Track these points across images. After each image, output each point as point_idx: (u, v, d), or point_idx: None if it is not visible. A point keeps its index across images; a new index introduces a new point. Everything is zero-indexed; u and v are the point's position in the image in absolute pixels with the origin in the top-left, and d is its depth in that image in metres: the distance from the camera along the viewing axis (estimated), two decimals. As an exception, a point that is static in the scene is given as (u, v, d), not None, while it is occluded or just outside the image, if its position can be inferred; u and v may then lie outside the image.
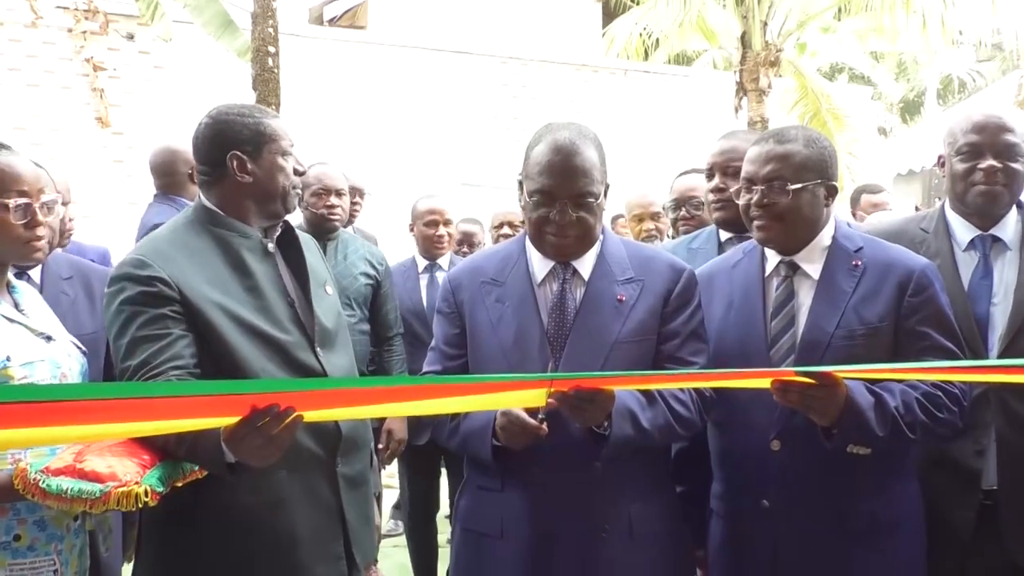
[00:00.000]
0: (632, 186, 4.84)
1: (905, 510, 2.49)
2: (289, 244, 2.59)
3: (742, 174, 2.54)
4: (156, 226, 3.56)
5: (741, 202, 2.55)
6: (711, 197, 3.13)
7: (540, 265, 2.47)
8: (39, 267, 2.87)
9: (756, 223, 2.51)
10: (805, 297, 2.50)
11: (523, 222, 2.60)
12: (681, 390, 2.40)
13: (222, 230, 2.46)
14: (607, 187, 2.45)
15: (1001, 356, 2.60)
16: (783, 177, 2.45)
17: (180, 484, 2.15)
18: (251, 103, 2.61)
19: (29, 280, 2.81)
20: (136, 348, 2.26)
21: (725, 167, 3.08)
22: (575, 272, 2.45)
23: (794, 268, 2.53)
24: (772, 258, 2.56)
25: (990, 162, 2.68)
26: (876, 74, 21.47)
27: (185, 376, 2.22)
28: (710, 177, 3.14)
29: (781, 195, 2.45)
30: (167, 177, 4.41)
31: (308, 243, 2.74)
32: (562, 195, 2.35)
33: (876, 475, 2.42)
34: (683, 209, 3.62)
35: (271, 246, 2.51)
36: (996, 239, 2.74)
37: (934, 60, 19.97)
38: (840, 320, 2.42)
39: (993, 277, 2.71)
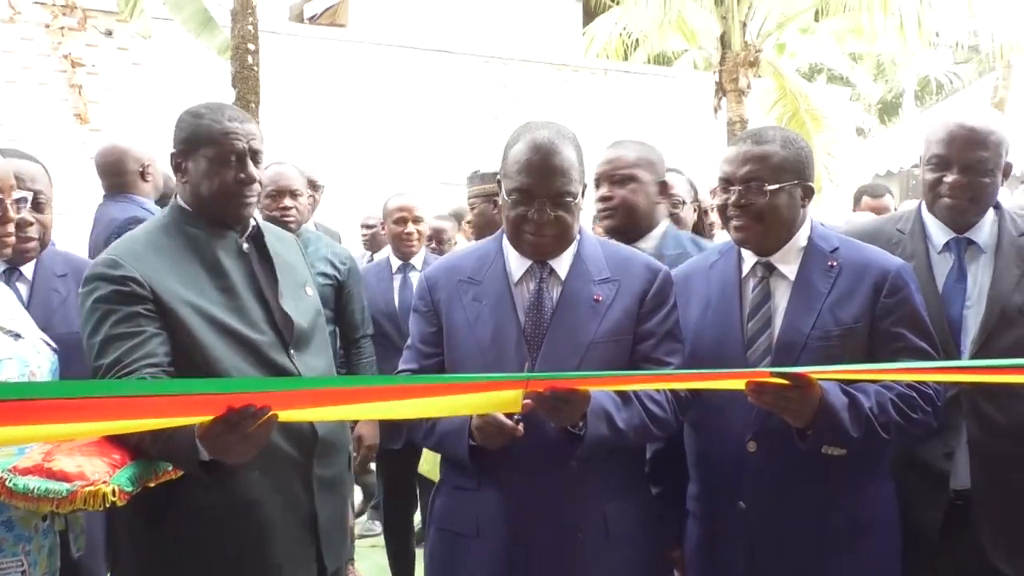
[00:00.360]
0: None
1: (880, 511, 2.51)
2: (262, 245, 2.57)
3: (719, 174, 2.55)
4: (129, 221, 3.53)
5: (718, 202, 2.56)
6: (598, 206, 3.18)
7: (517, 264, 2.48)
8: (32, 263, 2.86)
9: (733, 223, 2.52)
10: (781, 298, 2.51)
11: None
12: (657, 390, 2.41)
13: (196, 230, 2.46)
14: (584, 187, 2.46)
15: (973, 359, 2.61)
16: (760, 178, 2.46)
17: (152, 484, 2.14)
18: (221, 103, 2.55)
19: (21, 277, 2.82)
20: (109, 346, 2.26)
21: (611, 176, 3.17)
22: (552, 271, 2.45)
23: (770, 269, 2.54)
24: (748, 259, 2.57)
25: (955, 177, 2.67)
26: (854, 75, 21.56)
27: (159, 374, 2.22)
28: (597, 186, 3.18)
29: (758, 196, 2.46)
30: (115, 177, 4.39)
31: (289, 242, 2.73)
32: (540, 194, 2.36)
33: (852, 476, 2.43)
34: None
35: (246, 246, 2.50)
36: (971, 242, 2.75)
37: (912, 61, 20.09)
38: (816, 321, 2.44)
39: (967, 280, 2.72)
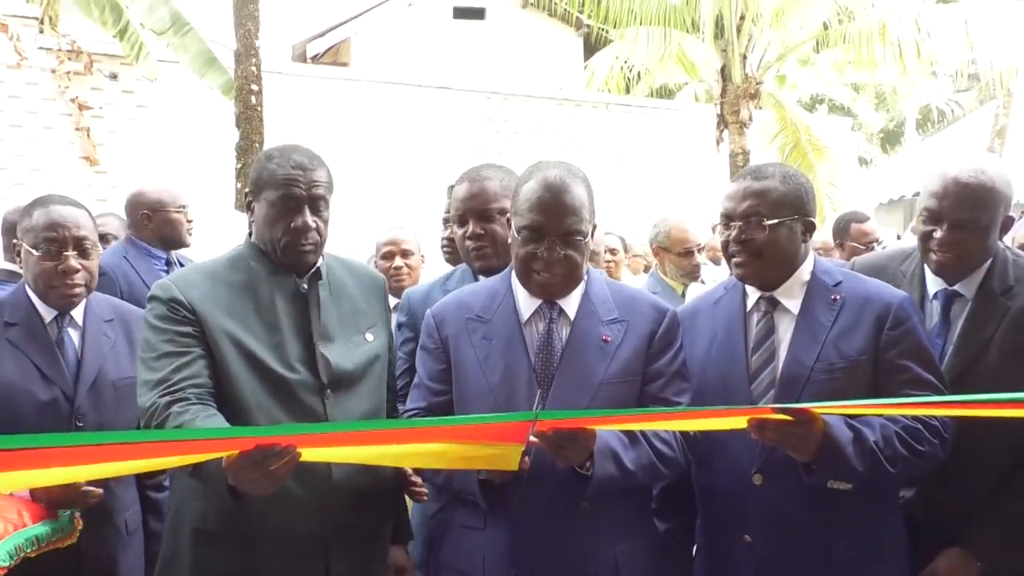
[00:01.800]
0: (615, 218, 4.90)
1: (889, 544, 2.49)
2: (336, 286, 2.62)
3: (720, 211, 2.55)
4: (103, 266, 3.55)
5: (720, 239, 2.57)
6: (469, 244, 2.88)
7: (526, 303, 2.47)
8: (81, 309, 2.87)
9: (734, 260, 2.53)
10: (785, 332, 2.51)
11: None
12: (664, 429, 2.40)
13: (257, 265, 2.52)
14: (594, 227, 2.46)
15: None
16: (759, 213, 2.47)
17: (34, 555, 2.19)
18: (296, 145, 2.58)
19: (72, 322, 2.84)
20: (158, 362, 2.37)
21: (481, 212, 2.87)
22: (561, 311, 2.45)
23: (774, 303, 2.54)
24: (752, 294, 2.58)
25: (944, 233, 2.60)
26: (856, 105, 21.69)
27: (203, 395, 2.31)
28: (462, 224, 2.91)
29: (758, 231, 2.46)
30: (128, 219, 4.70)
31: (371, 285, 2.73)
32: (551, 232, 2.36)
33: (859, 509, 2.41)
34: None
35: (304, 287, 2.52)
36: (959, 294, 2.69)
37: (912, 91, 20.20)
38: (819, 354, 2.43)
39: (947, 335, 2.68)
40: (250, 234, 2.59)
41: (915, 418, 2.38)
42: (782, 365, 2.47)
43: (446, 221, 3.46)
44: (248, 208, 2.57)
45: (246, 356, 2.41)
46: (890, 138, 25.37)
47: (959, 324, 2.66)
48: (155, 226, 4.60)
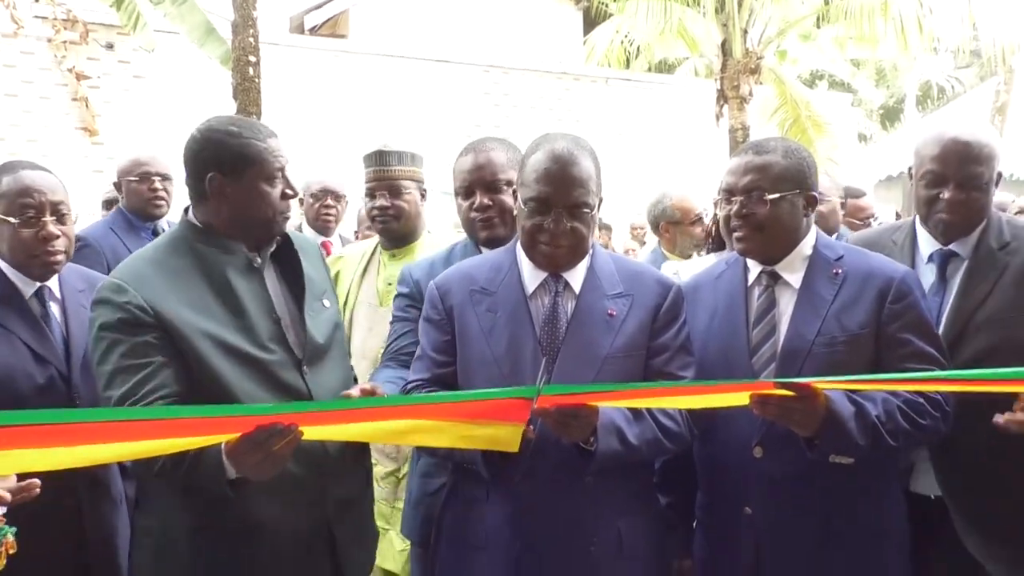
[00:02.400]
0: (615, 194, 4.88)
1: (889, 517, 2.50)
2: (286, 256, 2.54)
3: (722, 185, 2.55)
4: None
5: (721, 213, 2.56)
6: (475, 216, 2.88)
7: (531, 276, 2.46)
8: (55, 280, 2.74)
9: (736, 234, 2.53)
10: (786, 306, 2.51)
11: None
12: None
13: (205, 247, 2.41)
14: (601, 200, 2.45)
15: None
16: (761, 188, 2.46)
17: None
18: (245, 118, 2.49)
19: (51, 295, 2.71)
20: (117, 378, 2.24)
21: (489, 183, 2.87)
22: (567, 285, 2.44)
23: (775, 277, 2.54)
24: (754, 268, 2.58)
25: (952, 194, 2.65)
26: (856, 81, 21.61)
27: (171, 405, 2.20)
28: (468, 195, 2.90)
29: (759, 205, 2.46)
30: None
31: (310, 251, 2.69)
32: (558, 203, 2.35)
33: (859, 481, 2.42)
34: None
35: (257, 261, 2.45)
36: (954, 253, 2.74)
37: (913, 67, 20.11)
38: (821, 327, 2.44)
39: (945, 293, 2.72)
40: (185, 212, 2.47)
41: (917, 392, 2.38)
42: (783, 339, 2.47)
43: (370, 193, 3.48)
44: (219, 191, 2.40)
45: (222, 347, 2.31)
46: (890, 114, 25.31)
47: (956, 281, 2.70)
48: (125, 196, 4.48)
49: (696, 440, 2.56)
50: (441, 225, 5.77)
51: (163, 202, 4.50)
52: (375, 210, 3.47)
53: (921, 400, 2.37)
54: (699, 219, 4.85)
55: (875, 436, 2.31)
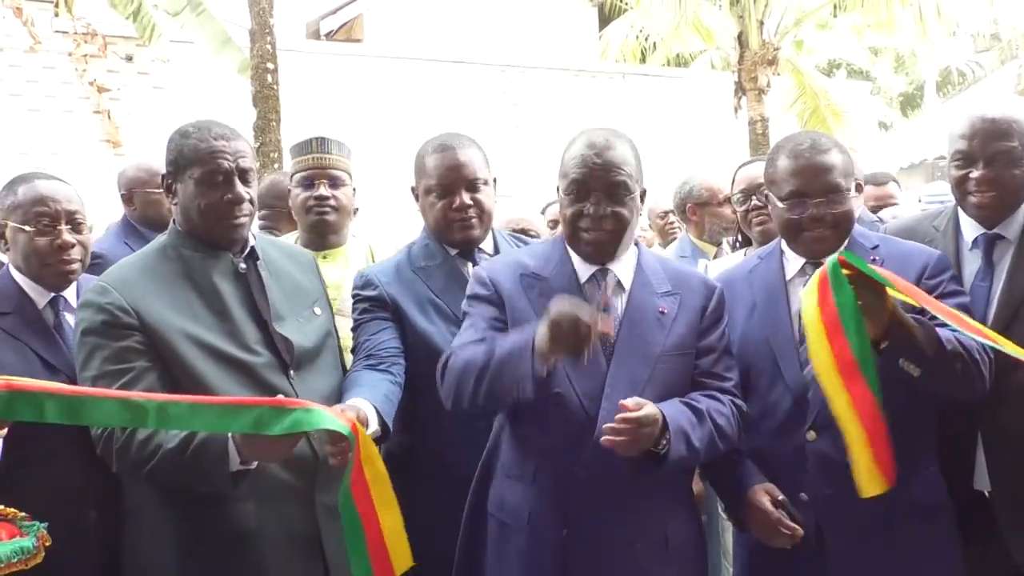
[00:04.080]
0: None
1: (937, 493, 2.52)
2: (263, 262, 2.52)
3: (791, 189, 2.50)
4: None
5: (791, 216, 2.51)
6: (454, 216, 2.79)
7: (582, 269, 2.45)
8: (72, 290, 2.71)
9: (811, 235, 2.51)
10: None
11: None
12: (723, 404, 2.39)
13: (190, 251, 2.42)
14: (644, 191, 2.46)
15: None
16: (839, 186, 2.47)
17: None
18: (211, 120, 2.47)
19: (67, 305, 2.67)
20: (100, 383, 2.24)
21: (470, 181, 2.80)
22: (617, 281, 2.44)
23: (818, 268, 2.54)
24: (795, 261, 2.58)
25: (981, 172, 2.59)
26: (875, 69, 21.46)
27: None
28: (446, 194, 2.79)
29: (838, 204, 2.47)
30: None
31: (301, 258, 2.69)
32: (596, 187, 2.35)
33: (908, 456, 2.40)
34: (754, 198, 3.49)
35: (242, 266, 2.45)
36: (1000, 237, 2.68)
37: (932, 52, 19.94)
38: None
39: (992, 278, 2.67)
40: (174, 221, 2.49)
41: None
42: None
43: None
44: (169, 191, 2.45)
45: (206, 350, 2.31)
46: (910, 101, 25.09)
47: (1005, 265, 2.65)
48: (138, 206, 4.34)
49: (725, 471, 2.56)
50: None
51: None
52: (312, 200, 3.27)
53: (980, 347, 2.38)
54: (728, 199, 4.63)
55: (939, 351, 2.31)
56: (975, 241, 2.70)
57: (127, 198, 4.39)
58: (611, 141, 2.39)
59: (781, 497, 2.43)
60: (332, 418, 2.15)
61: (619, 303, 2.42)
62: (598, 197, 2.35)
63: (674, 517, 2.42)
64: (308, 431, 2.17)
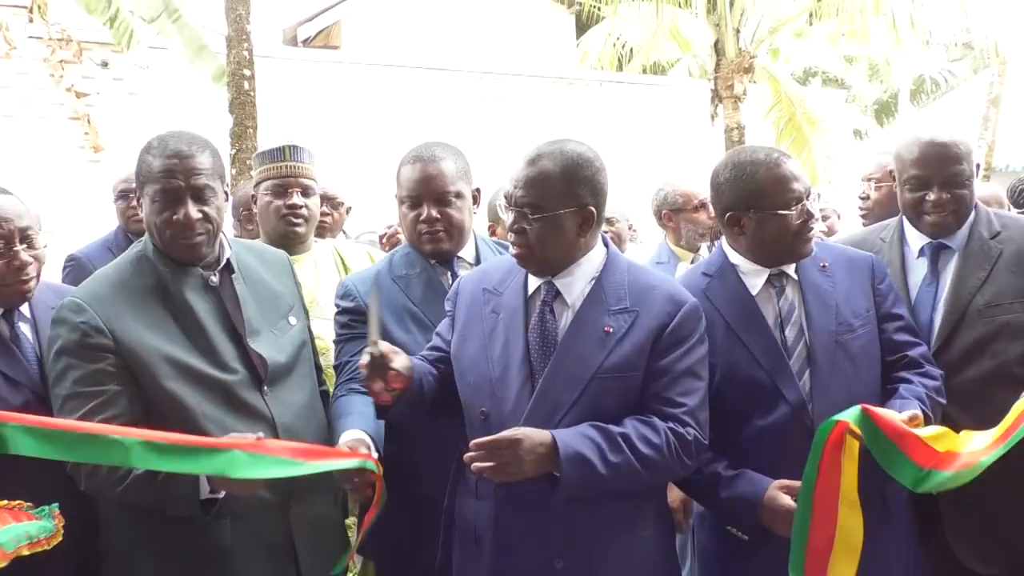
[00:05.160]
0: (613, 196, 4.85)
1: (898, 493, 2.55)
2: (239, 274, 2.50)
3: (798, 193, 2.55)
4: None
5: (802, 220, 2.56)
6: (422, 228, 2.81)
7: (532, 283, 2.44)
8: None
9: (809, 236, 2.59)
10: (800, 303, 2.56)
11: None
12: (656, 432, 2.29)
13: (161, 266, 2.40)
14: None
15: (935, 357, 2.68)
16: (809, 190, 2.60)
17: (27, 553, 2.13)
18: (179, 131, 2.45)
19: (22, 316, 2.61)
20: (68, 404, 2.26)
21: (439, 195, 2.81)
22: (558, 294, 2.40)
23: (783, 277, 2.60)
24: (761, 274, 2.59)
25: (937, 195, 2.74)
26: (849, 77, 21.61)
27: None
28: (415, 206, 2.82)
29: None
30: None
31: (276, 263, 2.65)
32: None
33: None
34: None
35: (213, 279, 2.43)
36: (945, 246, 2.82)
37: (906, 61, 20.12)
38: (836, 317, 2.53)
39: (938, 285, 2.80)
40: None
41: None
42: (810, 334, 2.52)
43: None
44: (139, 204, 2.44)
45: (181, 369, 2.31)
46: (884, 110, 25.26)
47: (949, 272, 2.79)
48: (119, 215, 4.38)
49: (720, 488, 2.51)
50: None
51: None
52: (286, 208, 3.27)
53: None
54: (703, 205, 4.60)
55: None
56: (921, 250, 2.85)
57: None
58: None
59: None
60: (351, 461, 2.31)
61: (564, 319, 2.37)
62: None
63: (603, 545, 2.32)
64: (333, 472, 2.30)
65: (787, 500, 2.40)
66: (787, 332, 2.53)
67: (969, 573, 2.74)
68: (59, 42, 10.13)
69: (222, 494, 2.20)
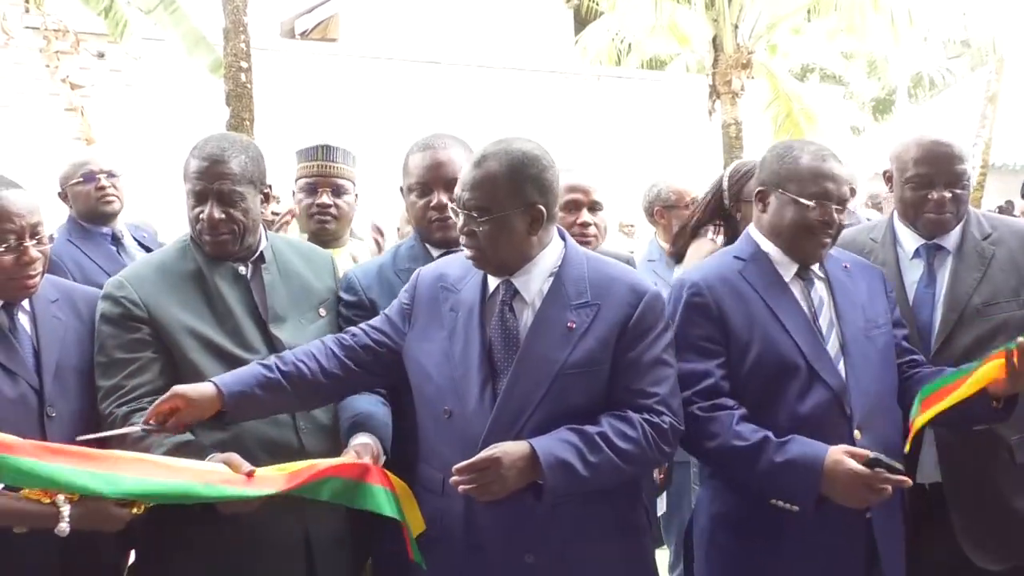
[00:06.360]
0: (611, 191, 4.84)
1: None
2: (270, 265, 2.62)
3: (817, 191, 2.55)
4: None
5: (819, 219, 2.56)
6: (432, 215, 2.75)
7: (491, 282, 2.40)
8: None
9: (823, 239, 2.60)
10: (828, 298, 2.61)
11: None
12: (632, 425, 2.27)
13: (200, 256, 2.58)
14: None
15: (935, 358, 2.73)
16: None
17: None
18: (223, 134, 2.61)
19: (20, 308, 2.58)
20: (110, 369, 2.48)
21: (449, 181, 2.68)
22: (516, 293, 2.36)
23: (811, 272, 2.63)
24: (789, 266, 2.60)
25: (941, 193, 2.77)
26: (847, 73, 21.60)
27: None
28: (425, 193, 2.78)
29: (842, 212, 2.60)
30: None
31: (316, 259, 2.75)
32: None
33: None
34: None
35: (242, 269, 2.57)
36: (940, 247, 2.86)
37: (904, 58, 20.13)
38: (864, 314, 2.59)
39: (936, 285, 2.84)
40: None
41: None
42: (842, 327, 2.56)
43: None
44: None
45: (204, 344, 2.48)
46: (881, 107, 25.26)
47: (945, 272, 2.84)
48: (73, 202, 4.31)
49: (772, 452, 2.45)
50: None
51: (114, 198, 4.29)
52: (315, 207, 3.40)
53: None
54: (694, 202, 4.64)
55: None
56: (917, 251, 2.88)
57: (63, 196, 4.37)
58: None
59: (873, 455, 2.35)
60: (386, 504, 2.36)
61: (524, 317, 2.34)
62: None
63: (577, 542, 2.30)
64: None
65: (852, 464, 2.34)
66: (820, 322, 2.56)
67: (968, 569, 2.74)
68: (55, 32, 10.11)
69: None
